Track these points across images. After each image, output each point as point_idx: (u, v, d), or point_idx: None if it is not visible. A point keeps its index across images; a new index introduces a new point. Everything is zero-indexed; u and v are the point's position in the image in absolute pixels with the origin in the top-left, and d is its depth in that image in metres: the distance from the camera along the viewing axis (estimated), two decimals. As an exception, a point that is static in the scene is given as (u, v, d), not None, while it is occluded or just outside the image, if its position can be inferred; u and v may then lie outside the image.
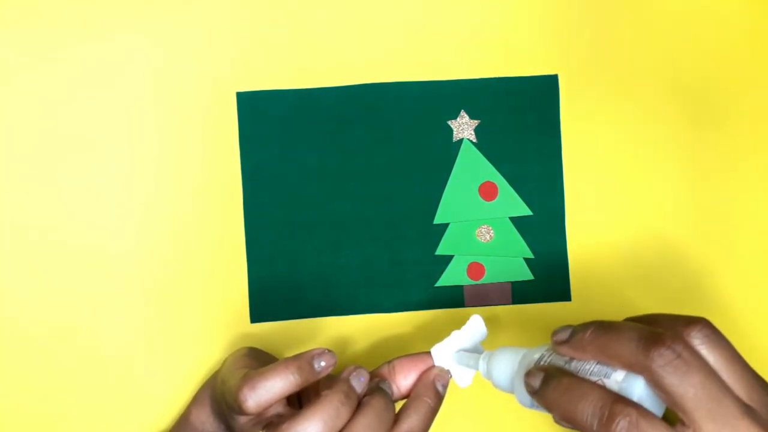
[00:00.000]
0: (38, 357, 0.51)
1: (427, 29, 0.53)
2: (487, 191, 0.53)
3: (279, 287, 0.52)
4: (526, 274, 0.53)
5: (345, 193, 0.53)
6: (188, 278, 0.52)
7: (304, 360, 0.42)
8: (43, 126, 0.52)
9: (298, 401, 0.47)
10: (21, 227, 0.51)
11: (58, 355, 0.51)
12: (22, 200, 0.51)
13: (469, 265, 0.53)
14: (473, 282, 0.53)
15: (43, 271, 0.51)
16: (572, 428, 0.39)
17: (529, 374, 0.40)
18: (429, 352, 0.45)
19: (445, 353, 0.45)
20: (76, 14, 0.52)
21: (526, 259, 0.53)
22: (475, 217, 0.53)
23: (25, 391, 0.51)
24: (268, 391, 0.41)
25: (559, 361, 0.40)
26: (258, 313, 0.52)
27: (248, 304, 0.52)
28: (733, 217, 0.53)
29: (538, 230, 0.53)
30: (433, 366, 0.45)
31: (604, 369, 0.38)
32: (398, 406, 0.44)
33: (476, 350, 0.45)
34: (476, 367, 0.44)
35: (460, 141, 0.53)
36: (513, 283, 0.53)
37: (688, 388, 0.36)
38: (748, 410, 0.36)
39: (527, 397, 0.41)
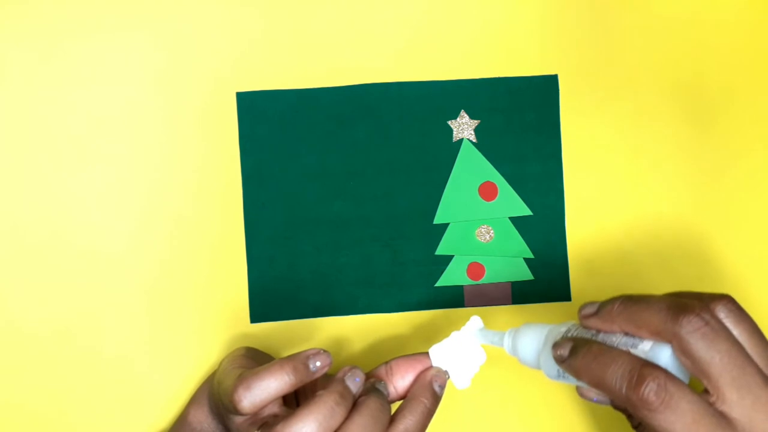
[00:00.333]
0: (38, 357, 0.51)
1: (427, 29, 0.53)
2: (487, 191, 0.53)
3: (279, 287, 0.52)
4: (526, 274, 0.53)
5: (345, 193, 0.53)
6: (188, 278, 0.52)
7: (299, 360, 0.42)
8: (43, 125, 0.52)
9: (296, 401, 0.47)
10: (20, 227, 0.51)
11: (58, 355, 0.51)
12: (22, 200, 0.51)
13: (469, 265, 0.53)
14: (473, 282, 0.53)
15: (43, 271, 0.51)
16: (598, 398, 0.40)
17: (557, 345, 0.41)
18: (427, 353, 0.45)
19: (443, 354, 0.45)
20: (76, 14, 0.52)
21: (526, 259, 0.53)
22: (475, 217, 0.53)
23: (25, 392, 0.51)
24: (263, 391, 0.41)
25: (585, 335, 0.41)
26: (258, 313, 0.52)
27: (248, 304, 0.52)
28: (733, 217, 0.53)
29: (538, 230, 0.53)
30: (431, 366, 0.45)
31: (631, 340, 0.39)
32: (396, 406, 0.44)
33: (476, 351, 0.45)
34: (500, 344, 0.44)
35: (460, 141, 0.53)
36: (513, 283, 0.53)
37: (715, 355, 0.37)
38: None
39: (554, 369, 0.41)
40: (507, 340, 0.44)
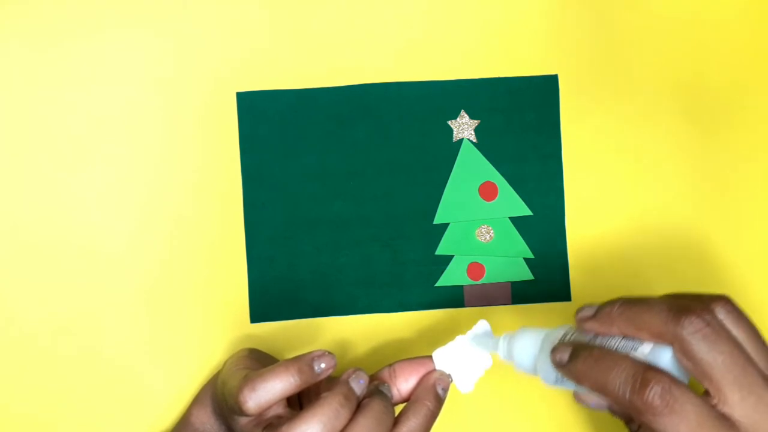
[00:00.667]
0: (38, 358, 0.51)
1: (427, 29, 0.53)
2: (487, 191, 0.53)
3: (279, 287, 0.52)
4: (526, 274, 0.53)
5: (345, 193, 0.53)
6: (188, 278, 0.52)
7: (304, 362, 0.42)
8: (43, 125, 0.52)
9: (299, 402, 0.47)
10: (20, 227, 0.51)
11: (58, 355, 0.51)
12: (22, 200, 0.51)
13: (469, 265, 0.53)
14: (473, 282, 0.53)
15: (42, 271, 0.51)
16: (595, 404, 0.41)
17: (555, 349, 0.41)
18: (430, 356, 0.45)
19: (447, 357, 0.45)
20: (76, 13, 0.52)
21: (526, 259, 0.53)
22: (475, 217, 0.53)
23: (26, 392, 0.51)
24: (268, 392, 0.41)
25: (583, 338, 0.41)
26: (258, 314, 0.52)
27: (248, 304, 0.52)
28: (734, 217, 0.54)
29: (538, 230, 0.53)
30: (434, 370, 0.45)
31: (630, 343, 0.39)
32: (399, 409, 0.45)
33: (482, 356, 0.45)
34: (494, 349, 0.44)
35: (460, 141, 0.53)
36: (513, 283, 0.53)
37: (717, 356, 0.37)
38: None
39: (552, 374, 0.41)
40: (502, 346, 0.44)
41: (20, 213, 0.51)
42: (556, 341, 0.42)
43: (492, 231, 0.53)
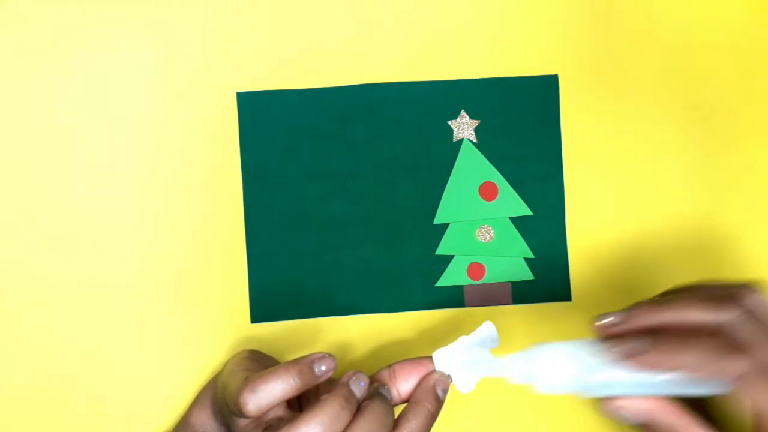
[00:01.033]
0: (38, 357, 0.51)
1: (427, 29, 0.53)
2: (487, 191, 0.53)
3: (279, 287, 0.52)
4: (526, 274, 0.53)
5: (345, 192, 0.53)
6: (188, 279, 0.52)
7: (304, 364, 0.42)
8: (41, 126, 0.51)
9: (299, 405, 0.47)
10: (20, 227, 0.51)
11: (58, 355, 0.51)
12: (20, 200, 0.51)
13: (469, 265, 0.53)
14: (473, 282, 0.53)
15: (42, 271, 0.51)
16: (633, 415, 0.41)
17: (622, 347, 0.41)
18: (430, 357, 0.45)
19: (447, 358, 0.45)
20: (76, 14, 0.52)
21: (526, 259, 0.53)
22: (475, 217, 0.53)
23: (27, 392, 0.51)
24: (268, 394, 0.41)
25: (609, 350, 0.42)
26: (258, 314, 0.52)
27: (248, 305, 0.52)
28: (734, 217, 0.54)
29: (538, 230, 0.53)
30: (434, 371, 0.45)
31: None
32: (399, 410, 0.44)
33: (484, 358, 0.45)
34: (503, 373, 0.44)
35: (460, 141, 0.53)
36: (513, 283, 0.53)
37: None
38: None
39: (598, 384, 0.42)
40: (518, 368, 0.44)
41: (19, 212, 0.51)
42: (593, 352, 0.42)
43: (492, 231, 0.53)
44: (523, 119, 0.53)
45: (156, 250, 0.52)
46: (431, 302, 0.53)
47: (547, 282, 0.53)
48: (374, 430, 0.41)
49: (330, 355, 0.43)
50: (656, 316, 0.41)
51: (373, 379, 0.45)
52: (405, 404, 0.44)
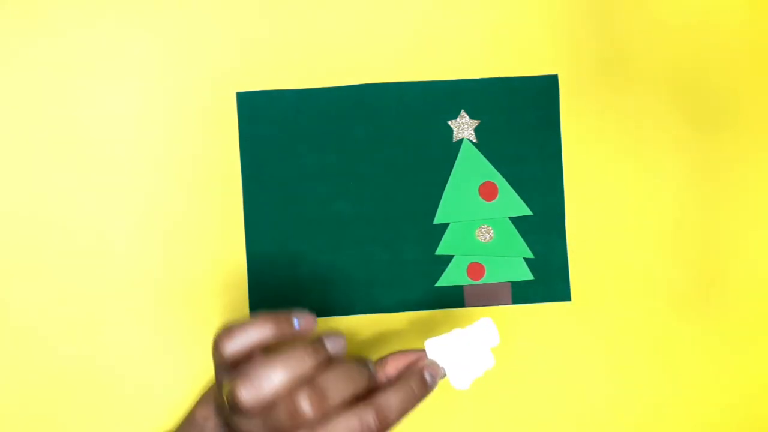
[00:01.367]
0: (38, 358, 0.51)
1: (427, 29, 0.53)
2: (487, 191, 0.53)
3: (279, 287, 0.52)
4: (526, 274, 0.53)
5: (345, 193, 0.53)
6: (188, 278, 0.52)
7: (282, 315, 0.42)
8: (42, 125, 0.52)
9: None
10: (19, 227, 0.51)
11: (58, 356, 0.51)
12: (20, 199, 0.51)
13: (469, 265, 0.53)
14: (473, 282, 0.53)
15: (43, 270, 0.51)
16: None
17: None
18: (423, 349, 0.45)
19: (440, 348, 0.44)
20: (76, 13, 0.52)
21: (526, 259, 0.53)
22: (475, 217, 0.53)
23: (28, 392, 0.51)
24: (243, 338, 0.41)
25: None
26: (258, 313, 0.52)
27: (248, 304, 0.52)
28: (734, 216, 0.54)
29: (538, 230, 0.53)
30: (426, 357, 0.44)
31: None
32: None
33: (482, 353, 0.45)
34: (482, 371, 0.44)
35: (460, 141, 0.53)
36: (513, 283, 0.53)
37: None
38: None
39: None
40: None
41: (19, 213, 0.51)
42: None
43: (492, 231, 0.53)
44: (523, 119, 0.53)
45: (156, 249, 0.52)
46: (431, 302, 0.53)
47: (546, 282, 0.53)
48: (342, 382, 0.40)
49: (311, 314, 0.42)
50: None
51: None
52: None
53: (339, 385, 0.40)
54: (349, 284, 0.52)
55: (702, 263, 0.53)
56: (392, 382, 0.42)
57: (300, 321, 0.42)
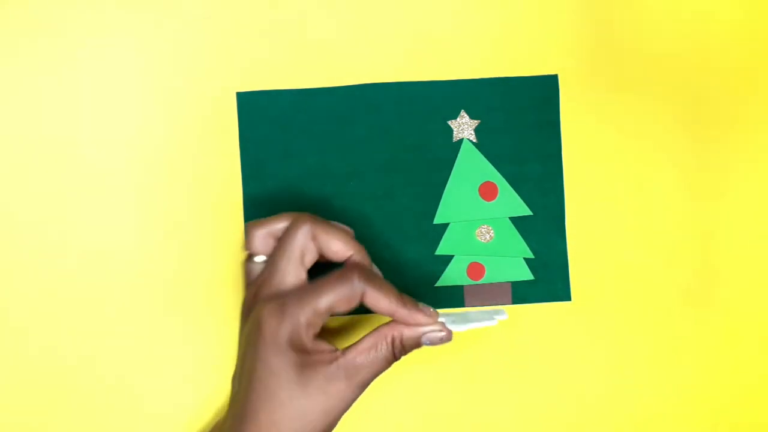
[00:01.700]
0: (37, 358, 0.51)
1: (427, 29, 0.53)
2: (487, 191, 0.53)
3: (279, 287, 0.52)
4: (526, 274, 0.53)
5: (345, 192, 0.53)
6: (188, 278, 0.52)
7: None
8: (42, 125, 0.52)
9: None
10: (19, 227, 0.51)
11: (57, 355, 0.51)
12: (20, 200, 0.51)
13: (469, 265, 0.53)
14: (473, 282, 0.53)
15: (43, 271, 0.51)
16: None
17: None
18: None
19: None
20: (76, 14, 0.52)
21: (526, 259, 0.53)
22: (475, 217, 0.53)
23: (26, 394, 0.51)
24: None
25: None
26: (258, 313, 0.52)
27: (248, 304, 0.52)
28: (735, 216, 0.54)
29: (538, 230, 0.53)
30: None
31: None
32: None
33: (487, 320, 0.46)
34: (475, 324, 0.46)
35: (460, 141, 0.53)
36: (513, 283, 0.53)
37: None
38: None
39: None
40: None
41: (19, 214, 0.51)
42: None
43: (492, 231, 0.53)
44: (523, 119, 0.53)
45: (155, 249, 0.52)
46: (431, 302, 0.52)
47: (546, 282, 0.53)
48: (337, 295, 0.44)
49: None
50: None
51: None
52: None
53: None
54: (349, 284, 0.52)
55: (702, 263, 0.53)
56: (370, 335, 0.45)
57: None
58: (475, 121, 0.53)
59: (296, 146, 0.52)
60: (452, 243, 0.53)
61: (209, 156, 0.52)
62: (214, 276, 0.52)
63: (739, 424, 0.53)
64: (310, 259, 0.46)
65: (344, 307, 0.44)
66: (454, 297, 0.53)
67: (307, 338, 0.44)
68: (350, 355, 0.45)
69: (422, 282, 0.53)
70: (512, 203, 0.53)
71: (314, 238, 0.46)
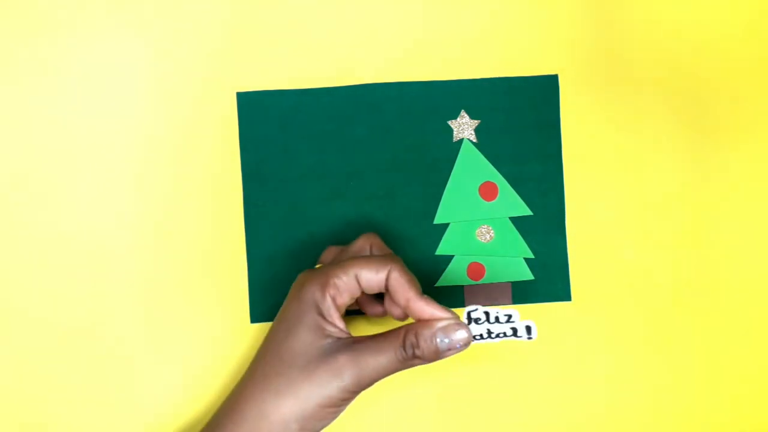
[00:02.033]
0: (36, 358, 0.51)
1: (427, 29, 0.53)
2: (487, 191, 0.53)
3: (279, 287, 0.52)
4: (526, 274, 0.53)
5: (345, 192, 0.53)
6: (188, 278, 0.52)
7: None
8: (43, 126, 0.52)
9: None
10: (21, 227, 0.51)
11: (57, 355, 0.51)
12: (22, 200, 0.51)
13: (469, 265, 0.53)
14: (473, 282, 0.53)
15: (43, 271, 0.51)
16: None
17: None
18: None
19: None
20: (77, 14, 0.52)
21: (526, 259, 0.53)
22: (475, 217, 0.53)
23: (25, 391, 0.51)
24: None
25: None
26: (258, 313, 0.52)
27: (248, 304, 0.52)
28: (733, 216, 0.54)
29: (538, 230, 0.53)
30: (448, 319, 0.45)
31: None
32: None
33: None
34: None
35: (460, 141, 0.53)
36: (513, 283, 0.53)
37: None
38: None
39: None
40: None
41: (20, 213, 0.51)
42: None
43: (492, 231, 0.53)
44: (523, 119, 0.53)
45: (156, 250, 0.52)
46: (431, 302, 0.52)
47: (546, 282, 0.53)
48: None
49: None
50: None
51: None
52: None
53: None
54: (349, 284, 0.52)
55: (702, 263, 0.53)
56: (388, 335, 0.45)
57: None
58: (475, 121, 0.53)
59: (296, 146, 0.52)
60: (452, 243, 0.53)
61: (209, 156, 0.52)
62: (213, 276, 0.52)
63: (739, 424, 0.53)
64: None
65: (373, 279, 0.44)
66: (454, 297, 0.53)
67: (331, 305, 0.44)
68: (360, 339, 0.44)
69: (422, 282, 0.52)
70: (512, 203, 0.53)
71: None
